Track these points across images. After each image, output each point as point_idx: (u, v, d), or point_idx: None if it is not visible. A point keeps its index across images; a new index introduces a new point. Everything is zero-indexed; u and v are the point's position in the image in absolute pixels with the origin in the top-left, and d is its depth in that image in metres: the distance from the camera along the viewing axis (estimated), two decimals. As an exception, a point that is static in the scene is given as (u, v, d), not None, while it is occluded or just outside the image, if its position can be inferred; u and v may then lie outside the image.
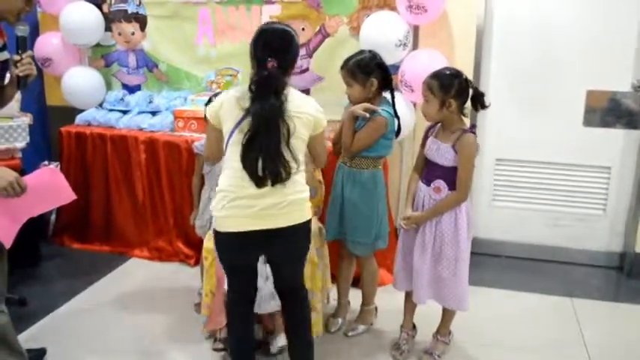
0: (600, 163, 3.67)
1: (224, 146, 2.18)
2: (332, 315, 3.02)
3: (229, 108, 2.14)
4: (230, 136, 2.13)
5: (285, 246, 2.23)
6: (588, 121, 3.63)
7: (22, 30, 2.27)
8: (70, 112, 4.10)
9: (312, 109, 2.20)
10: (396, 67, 3.47)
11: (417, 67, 3.26)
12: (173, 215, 3.70)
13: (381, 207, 2.77)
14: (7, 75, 2.35)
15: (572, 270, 3.72)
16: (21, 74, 2.25)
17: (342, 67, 2.66)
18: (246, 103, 2.10)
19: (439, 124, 2.55)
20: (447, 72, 2.45)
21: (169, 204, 3.69)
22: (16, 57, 2.26)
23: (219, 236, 2.21)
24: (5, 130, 2.99)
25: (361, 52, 2.69)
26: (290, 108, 2.11)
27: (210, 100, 2.92)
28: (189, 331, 2.96)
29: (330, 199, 2.87)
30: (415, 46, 3.58)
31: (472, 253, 3.80)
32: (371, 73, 2.60)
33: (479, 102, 2.47)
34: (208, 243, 2.81)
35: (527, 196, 3.82)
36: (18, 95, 3.24)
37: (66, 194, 2.30)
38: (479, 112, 3.56)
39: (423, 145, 2.60)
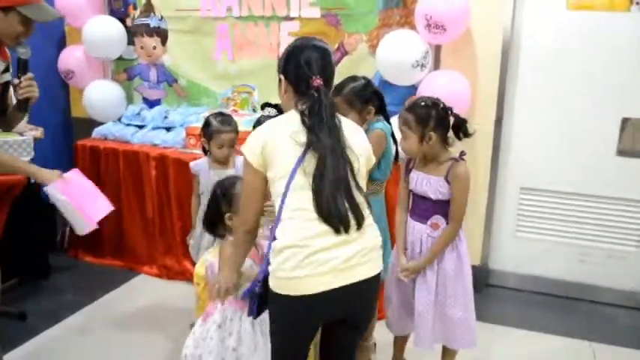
0: (635, 196, 3.38)
1: (279, 192, 1.79)
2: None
3: (281, 146, 1.78)
4: (290, 179, 1.76)
5: (362, 302, 1.86)
6: (623, 151, 3.39)
7: (22, 53, 2.26)
8: (94, 125, 4.12)
9: (365, 139, 1.92)
10: (414, 88, 3.33)
11: (435, 89, 3.08)
12: (181, 233, 3.63)
13: (387, 234, 2.60)
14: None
15: (598, 310, 3.45)
16: (21, 97, 2.26)
17: (335, 95, 2.41)
18: (303, 137, 1.76)
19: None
20: (423, 103, 2.28)
21: (177, 222, 3.64)
22: (15, 80, 2.27)
23: (289, 301, 1.75)
24: (10, 144, 3.01)
25: (353, 78, 2.51)
26: (348, 141, 1.80)
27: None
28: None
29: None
30: (437, 67, 3.42)
31: (491, 286, 3.65)
32: (368, 100, 2.45)
33: (461, 130, 2.29)
34: (200, 269, 2.70)
35: (553, 228, 3.56)
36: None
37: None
38: (502, 137, 3.47)
39: (406, 179, 2.42)
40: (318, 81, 1.78)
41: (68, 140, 4.41)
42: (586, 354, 2.97)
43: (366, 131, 2.45)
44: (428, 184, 2.30)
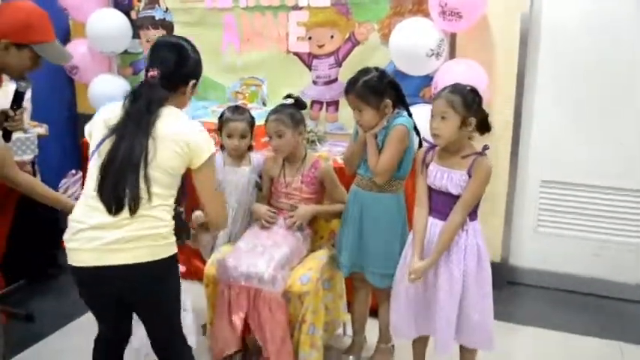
0: (663, 187, 3.23)
1: None
2: (345, 351, 2.76)
3: (95, 129, 1.92)
4: (89, 161, 1.91)
5: (132, 287, 1.90)
6: (648, 141, 3.24)
7: (22, 86, 2.33)
8: (101, 121, 4.03)
9: (191, 135, 1.89)
10: (430, 78, 3.20)
11: (451, 79, 2.93)
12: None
13: (404, 233, 2.49)
14: None
15: (627, 308, 3.30)
16: (10, 129, 2.34)
17: (348, 91, 2.36)
18: (114, 123, 1.87)
19: (436, 148, 2.25)
20: (468, 87, 2.17)
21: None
22: (10, 112, 2.32)
23: (71, 270, 1.92)
24: (13, 142, 2.91)
25: (366, 70, 2.38)
26: (159, 132, 1.84)
27: (222, 115, 2.76)
28: (197, 353, 2.77)
29: (343, 228, 2.60)
30: (452, 55, 3.28)
31: (512, 283, 3.52)
32: (384, 93, 2.32)
33: (484, 124, 2.17)
34: (209, 269, 2.62)
35: (576, 222, 3.42)
36: (29, 106, 3.17)
37: None
38: (522, 129, 3.33)
39: (422, 173, 2.27)
40: (151, 73, 1.90)
41: (74, 137, 4.34)
42: (614, 355, 2.84)
43: (386, 127, 2.36)
44: (449, 178, 2.17)
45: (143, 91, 1.89)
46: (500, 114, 3.27)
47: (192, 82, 2.01)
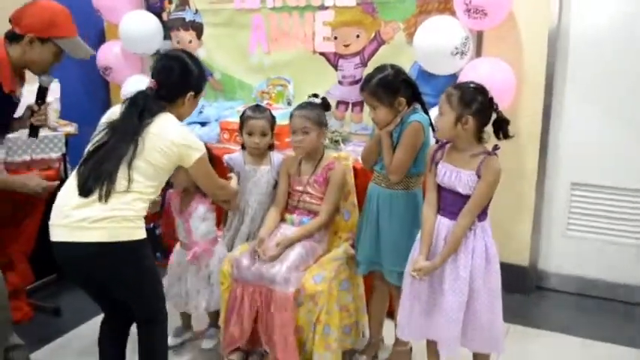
0: (700, 191, 3.08)
1: None
2: (360, 352, 2.73)
3: (99, 125, 2.12)
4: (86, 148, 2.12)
5: (97, 268, 2.02)
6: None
7: (45, 81, 2.46)
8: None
9: (177, 139, 2.06)
10: (455, 77, 3.15)
11: (477, 77, 2.85)
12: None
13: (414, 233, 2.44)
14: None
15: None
16: (35, 124, 2.48)
17: (363, 89, 2.36)
18: (112, 120, 2.09)
19: (446, 146, 2.20)
20: (472, 85, 2.12)
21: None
22: (35, 107, 2.46)
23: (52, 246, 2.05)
24: (41, 140, 3.01)
25: (382, 68, 2.36)
26: (150, 130, 2.02)
27: (243, 114, 2.77)
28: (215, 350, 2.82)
29: (361, 225, 2.59)
30: (479, 54, 3.22)
31: (540, 288, 3.42)
32: (397, 91, 2.30)
33: (502, 130, 2.10)
34: (225, 266, 2.63)
35: (608, 226, 3.29)
36: (57, 105, 3.26)
37: None
38: (551, 129, 3.24)
39: (431, 171, 2.23)
40: (151, 83, 2.13)
41: (108, 136, 4.43)
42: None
43: (401, 124, 2.33)
44: (457, 178, 2.12)
45: (139, 101, 2.08)
46: (528, 113, 3.20)
47: (190, 94, 2.17)
